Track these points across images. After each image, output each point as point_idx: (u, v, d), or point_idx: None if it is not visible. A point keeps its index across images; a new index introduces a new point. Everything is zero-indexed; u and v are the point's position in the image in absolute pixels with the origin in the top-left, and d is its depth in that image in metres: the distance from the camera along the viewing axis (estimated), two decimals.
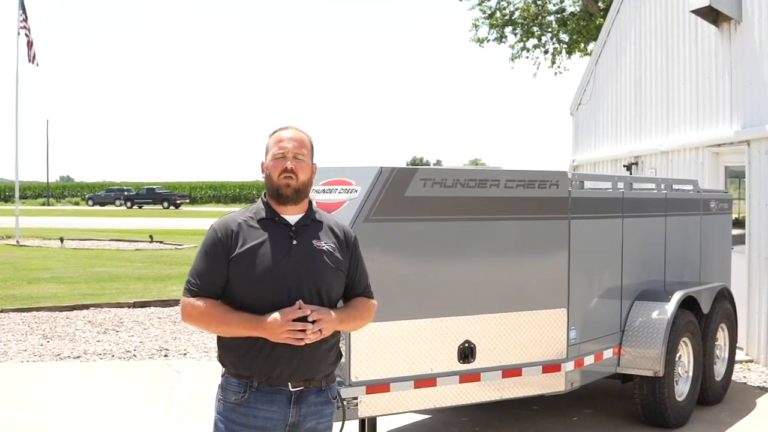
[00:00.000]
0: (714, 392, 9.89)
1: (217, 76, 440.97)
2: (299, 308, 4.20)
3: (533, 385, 7.64)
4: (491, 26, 35.05)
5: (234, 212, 4.55)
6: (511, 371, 7.45)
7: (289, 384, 4.30)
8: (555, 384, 7.75)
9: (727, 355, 10.35)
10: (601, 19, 30.68)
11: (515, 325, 7.44)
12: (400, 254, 6.93)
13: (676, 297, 8.88)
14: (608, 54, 18.61)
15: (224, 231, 4.37)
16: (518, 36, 35.16)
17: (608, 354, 8.50)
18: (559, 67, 35.22)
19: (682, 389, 9.09)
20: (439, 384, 7.06)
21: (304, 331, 4.17)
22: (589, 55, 33.56)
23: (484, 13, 34.98)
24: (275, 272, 4.27)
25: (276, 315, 4.18)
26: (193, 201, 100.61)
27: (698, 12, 13.47)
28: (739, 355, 11.59)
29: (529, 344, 7.54)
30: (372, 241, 6.65)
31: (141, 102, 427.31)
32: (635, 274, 8.98)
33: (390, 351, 6.81)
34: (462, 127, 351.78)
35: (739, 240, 12.56)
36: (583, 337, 8.01)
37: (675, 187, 10.13)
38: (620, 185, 8.88)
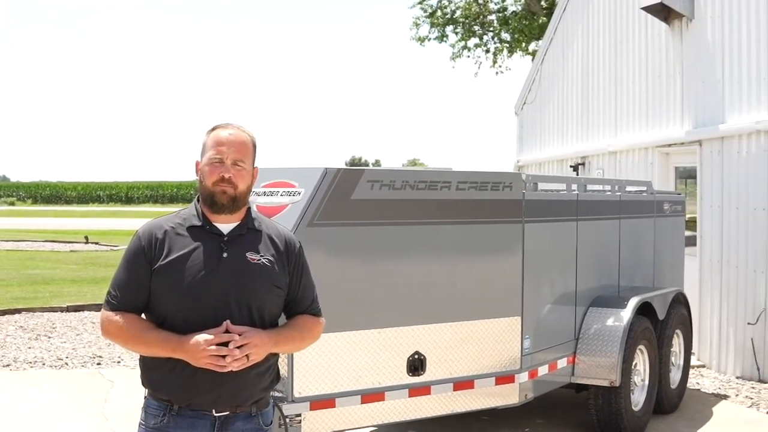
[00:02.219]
0: (670, 401, 9.58)
1: (155, 75, 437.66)
2: (226, 330, 3.79)
3: (486, 397, 7.26)
4: (432, 25, 34.69)
5: (162, 217, 4.10)
6: (463, 383, 7.06)
7: (213, 410, 3.89)
8: (508, 396, 7.38)
9: (682, 362, 10.06)
10: (544, 18, 30.51)
11: (467, 335, 7.05)
12: (346, 261, 6.51)
13: (632, 303, 8.55)
14: (554, 52, 18.32)
15: (148, 238, 3.95)
16: (459, 35, 34.86)
17: (562, 363, 8.16)
18: (500, 66, 34.95)
19: (638, 399, 8.77)
20: (387, 398, 6.65)
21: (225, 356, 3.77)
22: (531, 54, 33.48)
23: (425, 11, 34.60)
24: (201, 287, 3.85)
25: (198, 337, 3.76)
26: (130, 201, 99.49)
27: (649, 9, 13.21)
28: (691, 361, 11.33)
29: (481, 355, 7.16)
30: (316, 247, 6.22)
31: (78, 101, 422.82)
32: (589, 280, 8.65)
33: (335, 364, 6.38)
34: (402, 127, 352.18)
35: (690, 242, 12.29)
36: (537, 346, 7.66)
37: (628, 188, 9.80)
38: (574, 187, 8.53)
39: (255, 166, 4.10)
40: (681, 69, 13.06)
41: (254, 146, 4.10)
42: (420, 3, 34.35)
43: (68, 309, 16.57)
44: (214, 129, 4.06)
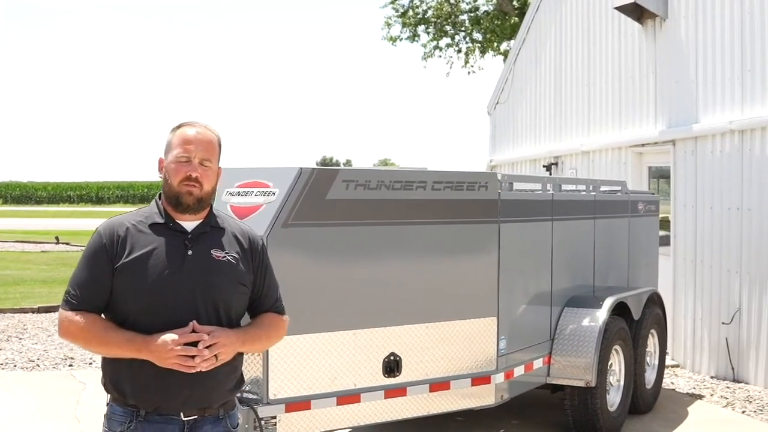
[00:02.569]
0: (645, 401, 9.57)
1: (126, 74, 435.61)
2: (193, 330, 3.71)
3: (462, 398, 7.21)
4: (404, 25, 34.57)
5: (124, 214, 4.01)
6: (439, 384, 7.01)
7: (181, 413, 3.80)
8: (484, 397, 7.34)
9: (657, 362, 10.05)
10: (516, 18, 30.51)
11: (443, 335, 7.00)
12: (321, 261, 6.44)
13: (608, 303, 8.53)
14: (527, 52, 18.31)
15: (109, 236, 3.84)
16: (431, 35, 34.80)
17: (538, 364, 8.13)
18: (472, 66, 34.91)
19: (613, 399, 8.75)
20: (363, 400, 6.59)
21: (193, 357, 3.68)
22: (503, 54, 33.47)
23: (397, 11, 34.48)
24: (165, 286, 3.76)
25: (165, 337, 3.67)
26: (101, 201, 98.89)
27: (622, 9, 13.22)
28: (666, 361, 11.32)
29: (457, 356, 7.11)
30: (291, 248, 6.20)
31: (48, 100, 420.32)
32: (565, 280, 8.62)
33: (311, 366, 6.32)
34: (373, 126, 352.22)
35: (663, 242, 12.30)
36: (512, 346, 7.62)
37: (603, 188, 9.78)
38: (549, 187, 8.49)
39: (219, 166, 4.03)
40: (654, 69, 13.07)
41: (220, 146, 4.03)
42: (392, 3, 34.24)
43: (39, 310, 16.46)
44: (179, 127, 3.97)
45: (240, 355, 3.98)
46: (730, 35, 11.26)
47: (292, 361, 6.21)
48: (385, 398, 6.69)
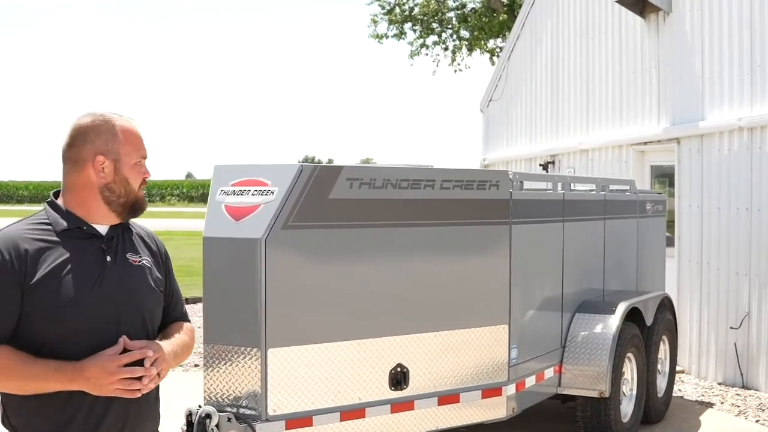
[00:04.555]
0: (656, 410, 9.14)
1: (105, 74, 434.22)
2: (126, 347, 3.18)
3: (472, 411, 6.74)
4: (390, 22, 34.15)
5: (16, 224, 3.39)
6: (448, 397, 6.54)
7: None
8: (495, 410, 6.88)
9: (668, 369, 9.63)
10: (505, 15, 30.07)
11: (452, 345, 6.53)
12: (323, 266, 5.95)
13: (621, 309, 8.09)
14: (522, 47, 17.86)
15: (13, 251, 3.21)
16: (418, 32, 34.38)
17: (549, 373, 7.68)
18: (459, 64, 34.48)
19: (626, 409, 8.33)
20: (368, 415, 6.09)
21: (139, 378, 3.17)
22: (489, 52, 33.08)
23: (383, 8, 34.07)
24: (88, 301, 3.21)
25: (101, 360, 3.13)
26: None
27: (624, 2, 12.78)
28: None
29: (466, 366, 6.65)
30: (291, 251, 5.73)
31: (29, 99, 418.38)
32: (575, 284, 8.17)
33: (313, 379, 5.82)
34: (357, 125, 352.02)
35: (666, 243, 11.88)
36: (524, 355, 7.17)
37: (612, 187, 9.34)
38: (559, 186, 8.04)
39: None
40: (657, 64, 12.64)
41: None
42: (378, 0, 33.85)
43: None
44: (111, 119, 3.41)
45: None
46: (738, 29, 10.84)
47: (292, 374, 5.72)
48: (391, 413, 6.21)
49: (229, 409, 5.65)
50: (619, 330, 7.92)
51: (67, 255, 3.26)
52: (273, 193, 5.71)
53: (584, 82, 15.02)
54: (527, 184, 7.82)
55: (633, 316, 8.48)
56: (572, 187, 8.37)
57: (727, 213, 11.13)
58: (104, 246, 3.35)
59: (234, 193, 5.84)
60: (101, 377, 3.11)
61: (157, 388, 3.46)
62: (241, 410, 5.66)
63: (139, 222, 3.66)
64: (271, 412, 5.66)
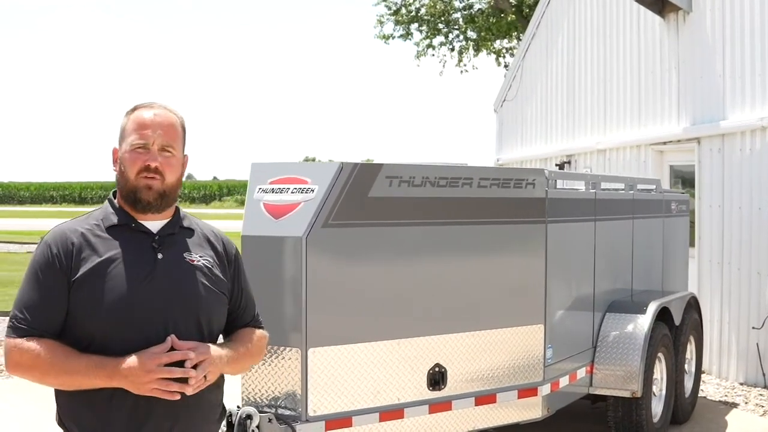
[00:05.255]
0: (683, 410, 9.09)
1: (105, 74, 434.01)
2: (172, 347, 3.09)
3: (508, 412, 6.68)
4: (396, 23, 34.10)
5: (71, 220, 3.36)
6: (485, 398, 6.48)
7: None
8: (531, 410, 6.83)
9: (694, 369, 9.56)
10: (513, 16, 30.00)
11: (489, 344, 6.48)
12: (362, 265, 5.90)
13: (652, 308, 8.03)
14: (537, 47, 17.80)
15: (61, 246, 3.20)
16: (424, 33, 34.31)
17: (581, 373, 7.62)
18: (465, 65, 34.41)
19: (656, 409, 8.27)
20: (407, 415, 6.03)
21: (181, 379, 3.06)
22: (496, 53, 33.01)
23: (390, 9, 34.01)
24: (135, 298, 3.15)
25: (142, 357, 3.05)
26: (84, 201, 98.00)
27: (642, 1, 12.72)
28: None
29: (502, 367, 6.59)
30: (331, 250, 5.68)
31: (30, 99, 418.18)
32: (606, 283, 8.12)
33: (352, 379, 5.77)
34: (362, 126, 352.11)
35: None
36: (558, 355, 7.11)
37: (639, 187, 9.28)
38: (591, 185, 8.00)
39: (185, 153, 3.41)
40: (677, 64, 12.58)
41: (184, 129, 3.42)
42: (384, 0, 33.79)
43: None
44: (134, 109, 3.35)
45: (222, 378, 3.39)
46: (761, 27, 10.78)
47: (332, 374, 5.67)
48: (429, 413, 6.15)
49: (267, 409, 5.60)
50: (651, 330, 7.86)
51: (116, 251, 3.21)
52: (313, 191, 5.65)
53: (601, 81, 14.96)
54: (560, 183, 7.79)
55: (662, 315, 8.41)
56: (602, 186, 8.31)
57: (748, 213, 11.07)
58: (155, 244, 3.27)
59: (273, 191, 5.79)
60: (139, 375, 3.03)
61: (218, 393, 3.38)
62: (280, 411, 5.61)
63: (204, 222, 3.58)
64: (311, 413, 5.61)
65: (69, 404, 3.20)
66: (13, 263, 25.34)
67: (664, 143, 12.99)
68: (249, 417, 5.40)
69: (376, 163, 5.95)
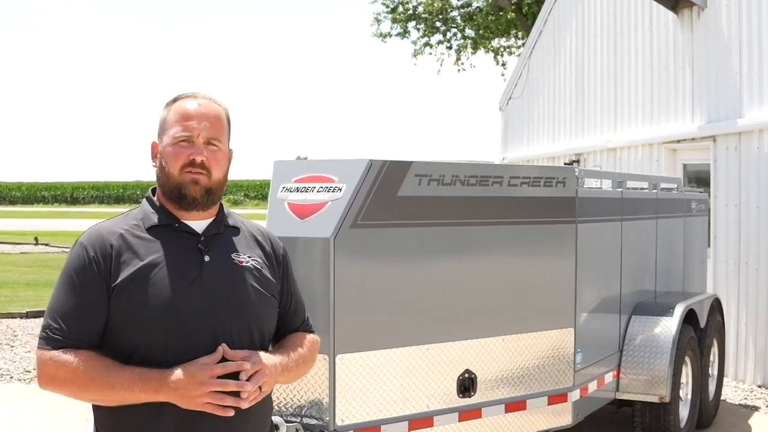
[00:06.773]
0: (707, 414, 8.88)
1: (97, 74, 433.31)
2: (223, 357, 2.84)
3: (538, 419, 6.44)
4: (394, 21, 33.90)
5: (109, 220, 3.10)
6: (515, 404, 6.24)
7: None
8: (561, 417, 6.59)
9: (717, 372, 9.35)
10: (512, 14, 29.77)
11: (518, 350, 6.24)
12: (391, 267, 5.64)
13: (679, 311, 7.81)
14: (545, 44, 17.58)
15: (99, 248, 2.94)
16: (421, 31, 34.09)
17: (608, 378, 7.41)
18: (463, 64, 34.19)
19: (683, 414, 8.03)
20: (436, 423, 5.79)
21: (234, 392, 2.81)
22: (494, 52, 32.79)
23: (387, 7, 33.80)
24: (182, 303, 2.90)
25: (192, 368, 2.80)
26: (75, 201, 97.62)
27: None
28: None
29: (532, 372, 6.35)
30: (360, 252, 5.42)
31: (21, 99, 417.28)
32: (631, 285, 7.91)
33: (381, 386, 5.51)
34: (361, 124, 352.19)
35: None
36: (587, 360, 6.89)
37: (662, 186, 9.06)
38: (617, 183, 7.78)
39: (230, 147, 3.17)
40: (691, 61, 12.35)
41: (229, 122, 3.17)
42: None
43: (28, 315, 15.62)
44: (176, 100, 3.10)
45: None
46: None
47: (361, 382, 5.42)
48: (459, 421, 5.91)
49: (293, 419, 5.35)
50: (679, 333, 7.64)
51: (158, 254, 2.95)
52: (341, 189, 5.40)
53: (612, 79, 14.74)
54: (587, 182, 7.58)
55: (688, 318, 8.20)
56: (627, 185, 8.09)
57: (766, 212, 10.86)
58: (201, 246, 3.02)
59: (297, 190, 5.54)
60: (190, 388, 2.78)
61: (269, 405, 3.16)
62: (306, 420, 5.36)
63: (250, 220, 3.34)
64: (339, 422, 5.36)
65: (109, 420, 2.95)
66: (7, 264, 25.09)
67: (678, 141, 12.77)
68: (276, 427, 5.16)
69: (405, 161, 5.69)
